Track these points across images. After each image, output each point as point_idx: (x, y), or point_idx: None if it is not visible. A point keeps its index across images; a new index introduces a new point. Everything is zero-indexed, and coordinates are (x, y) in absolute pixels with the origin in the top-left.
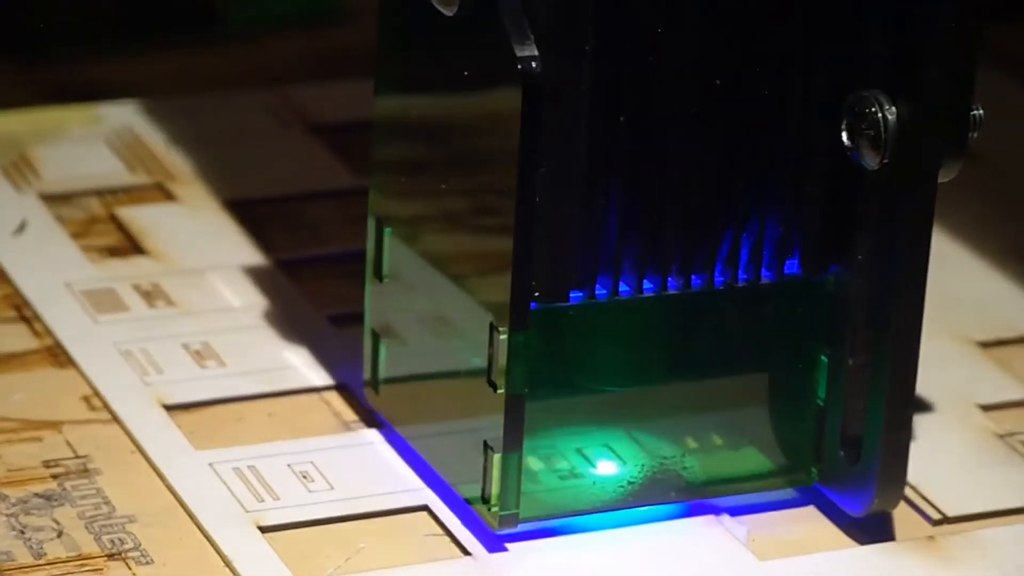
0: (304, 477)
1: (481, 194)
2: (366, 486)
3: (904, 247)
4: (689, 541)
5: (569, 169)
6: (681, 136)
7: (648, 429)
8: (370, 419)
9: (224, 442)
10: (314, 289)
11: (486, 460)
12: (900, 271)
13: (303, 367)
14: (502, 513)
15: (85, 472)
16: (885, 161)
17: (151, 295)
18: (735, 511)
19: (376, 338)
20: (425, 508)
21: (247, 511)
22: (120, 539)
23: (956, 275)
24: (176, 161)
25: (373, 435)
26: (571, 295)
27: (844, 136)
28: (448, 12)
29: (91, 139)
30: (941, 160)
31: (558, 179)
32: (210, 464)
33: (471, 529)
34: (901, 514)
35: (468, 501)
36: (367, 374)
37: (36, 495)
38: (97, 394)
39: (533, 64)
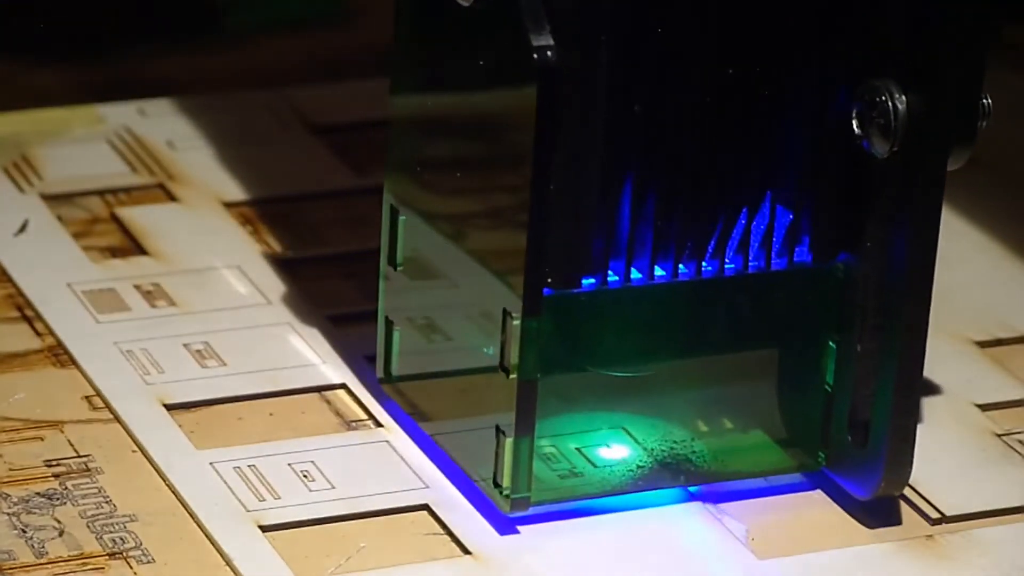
0: (305, 476)
1: (496, 181)
2: (367, 486)
3: (913, 235)
4: (689, 540)
5: (584, 157)
6: (694, 124)
7: (658, 414)
8: (371, 419)
9: (225, 441)
10: (314, 289)
11: (498, 445)
12: (909, 259)
13: (304, 367)
14: (514, 497)
15: (86, 471)
16: (895, 149)
17: (152, 295)
18: (742, 495)
19: (390, 325)
20: (425, 508)
21: (248, 510)
22: (121, 538)
23: (955, 274)
24: (177, 161)
25: (374, 435)
26: (583, 281)
27: (855, 124)
28: (464, 2)
29: (92, 139)
30: (950, 149)
31: (573, 167)
32: (211, 463)
33: (472, 529)
34: (900, 514)
35: (480, 486)
36: (380, 361)
37: (38, 494)
38: (98, 393)
39: (549, 54)
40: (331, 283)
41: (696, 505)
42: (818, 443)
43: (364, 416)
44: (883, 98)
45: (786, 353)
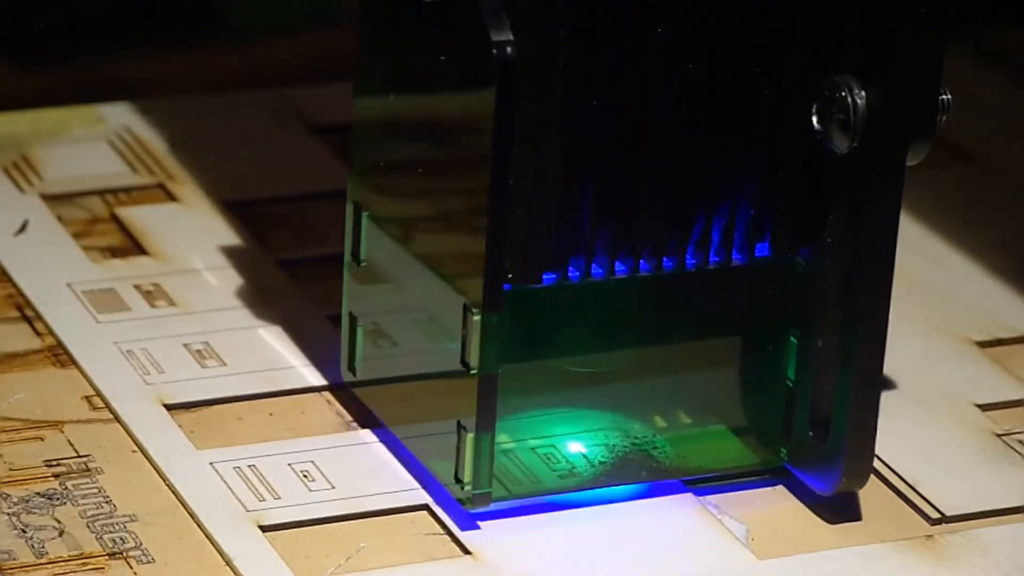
0: (305, 476)
1: (457, 177)
2: (366, 485)
3: (873, 230)
4: (689, 539)
5: (544, 153)
6: (654, 120)
7: (619, 409)
8: (371, 419)
9: (225, 441)
10: (314, 289)
11: (459, 440)
12: (869, 253)
13: (303, 367)
14: (474, 492)
15: (86, 471)
16: (855, 145)
17: (152, 295)
18: (705, 491)
19: (354, 321)
20: (425, 508)
21: (248, 510)
22: (121, 538)
23: (954, 275)
24: (177, 161)
25: (373, 435)
26: (544, 277)
27: (815, 120)
28: None
29: (92, 139)
30: (909, 144)
31: (533, 162)
32: (211, 463)
33: (472, 529)
34: (900, 514)
35: (442, 482)
36: (345, 357)
37: (38, 494)
38: (98, 393)
39: (508, 49)
40: (331, 283)
41: (697, 505)
42: (780, 438)
43: (364, 416)
44: (842, 93)
45: (748, 348)
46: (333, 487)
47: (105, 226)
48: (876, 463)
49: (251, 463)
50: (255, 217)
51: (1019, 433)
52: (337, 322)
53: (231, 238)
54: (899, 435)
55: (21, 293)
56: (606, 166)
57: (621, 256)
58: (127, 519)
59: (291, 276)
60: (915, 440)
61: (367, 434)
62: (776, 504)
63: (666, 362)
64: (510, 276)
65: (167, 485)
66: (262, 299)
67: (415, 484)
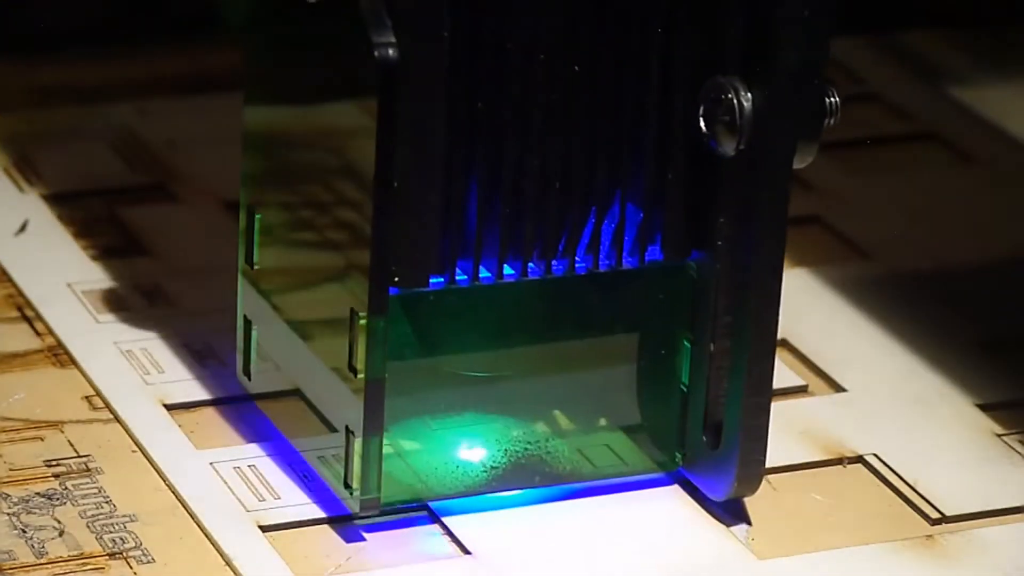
0: (304, 477)
1: (342, 180)
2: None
3: (761, 233)
4: (689, 538)
5: (428, 154)
6: (540, 121)
7: (512, 413)
8: None
9: (225, 442)
10: None
11: (348, 445)
12: (757, 257)
13: None
14: (363, 497)
15: (86, 471)
16: (741, 147)
17: (152, 295)
18: (597, 491)
19: (248, 325)
20: (425, 508)
21: (248, 510)
22: (121, 538)
23: (955, 275)
24: (177, 161)
25: None
26: (431, 280)
27: (701, 122)
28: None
29: (92, 139)
30: (795, 146)
31: (417, 164)
32: (211, 463)
33: (473, 528)
34: (900, 514)
35: (332, 487)
36: (240, 362)
37: (38, 494)
38: (98, 393)
39: (390, 51)
40: None
41: (697, 505)
42: (675, 443)
43: None
44: (728, 95)
45: (641, 352)
46: (333, 487)
47: (105, 226)
48: (877, 463)
49: (251, 463)
50: None
51: (1019, 433)
52: None
53: (231, 238)
54: (899, 435)
55: (21, 293)
56: (491, 168)
57: (509, 259)
58: (127, 519)
59: None
60: (915, 440)
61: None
62: (776, 504)
63: (560, 365)
64: (396, 280)
65: (167, 485)
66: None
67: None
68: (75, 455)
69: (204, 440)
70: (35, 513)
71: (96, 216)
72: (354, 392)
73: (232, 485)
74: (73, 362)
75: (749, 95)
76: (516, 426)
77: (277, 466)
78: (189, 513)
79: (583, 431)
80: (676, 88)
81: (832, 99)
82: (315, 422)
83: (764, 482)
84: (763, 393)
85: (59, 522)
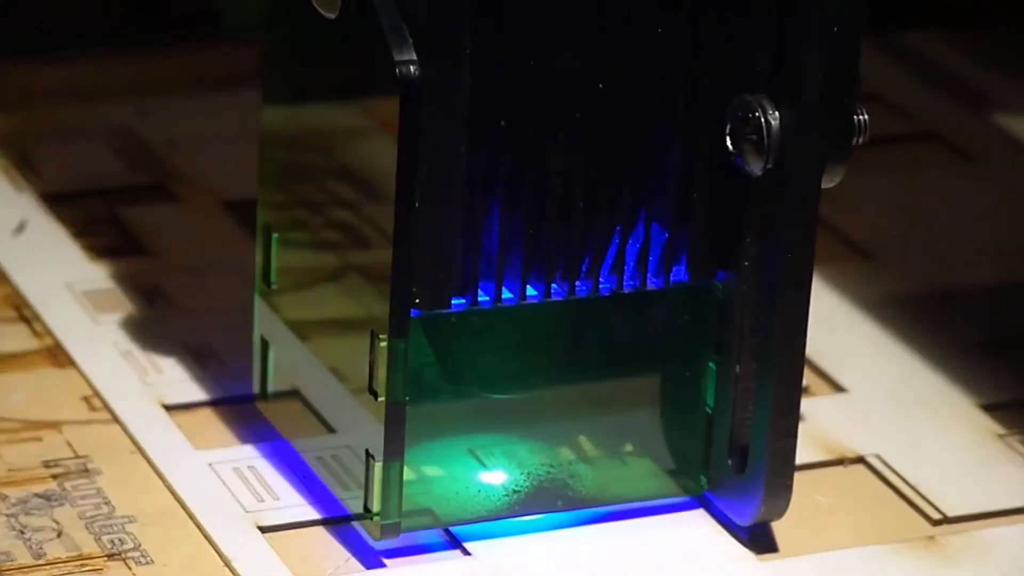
0: (304, 477)
1: (363, 200)
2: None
3: (788, 254)
4: (689, 538)
5: (450, 174)
6: (564, 141)
7: (535, 436)
8: None
9: (224, 442)
10: None
11: (368, 469)
12: (784, 278)
13: None
14: (383, 523)
15: (85, 472)
16: (769, 167)
17: (151, 295)
18: (622, 515)
19: (265, 346)
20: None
21: (247, 511)
22: (120, 539)
23: (956, 275)
24: (177, 161)
25: None
26: (453, 302)
27: (728, 141)
28: (330, 15)
29: (92, 139)
30: (824, 166)
31: (438, 184)
32: (210, 464)
33: (473, 528)
34: (901, 515)
35: (352, 512)
36: (257, 383)
37: (36, 495)
38: (97, 394)
39: (411, 68)
40: None
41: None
42: (700, 467)
43: None
44: (755, 114)
45: (666, 374)
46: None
47: (104, 226)
48: (878, 463)
49: (250, 464)
50: (255, 217)
51: (1020, 433)
52: None
53: (230, 238)
54: (899, 435)
55: (20, 293)
56: (514, 187)
57: (532, 280)
58: (126, 520)
59: None
60: (916, 440)
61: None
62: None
63: (582, 388)
64: (417, 301)
65: (166, 486)
66: None
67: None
68: (74, 456)
69: (203, 441)
70: (33, 514)
71: (96, 216)
72: (374, 415)
73: (231, 486)
74: (72, 362)
75: (777, 114)
76: (539, 449)
77: (276, 467)
78: (188, 514)
79: (606, 454)
80: (702, 106)
81: (861, 117)
82: (331, 442)
83: None
84: (790, 416)
85: (57, 523)
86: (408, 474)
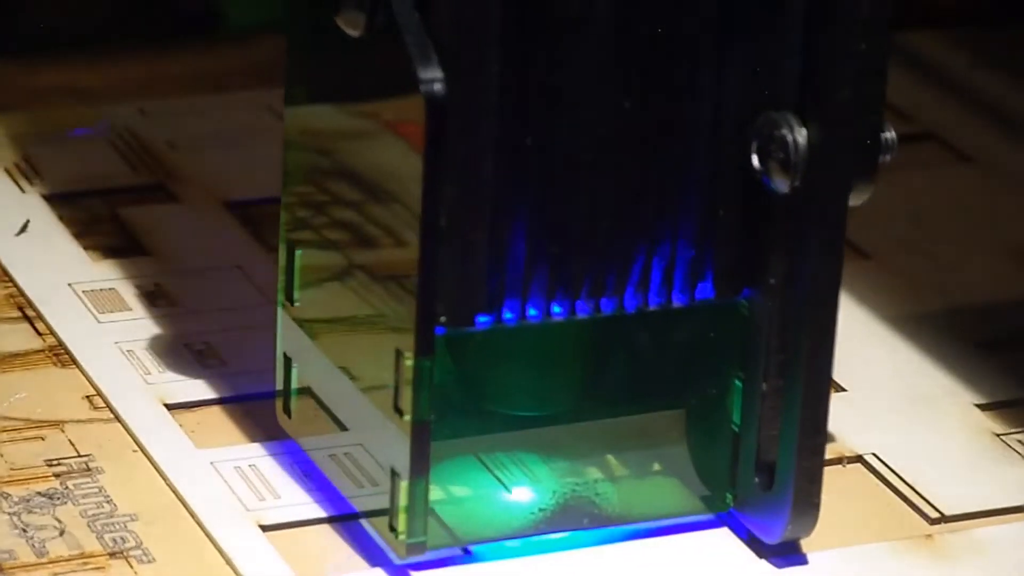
0: (306, 476)
1: (387, 217)
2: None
3: (815, 271)
4: (688, 537)
5: (475, 192)
6: (590, 158)
7: (559, 454)
8: None
9: (226, 441)
10: None
11: (393, 487)
12: (811, 295)
13: None
14: (409, 541)
15: (87, 471)
16: (796, 184)
17: (153, 295)
18: (650, 533)
19: (288, 362)
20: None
21: (248, 510)
22: (122, 538)
23: (954, 275)
24: (177, 161)
25: None
26: (478, 319)
27: (754, 159)
28: (353, 33)
29: (92, 139)
30: (851, 184)
31: (464, 202)
32: (212, 463)
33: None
34: (899, 513)
35: (377, 530)
36: (280, 399)
37: (38, 494)
38: (99, 393)
39: (436, 86)
40: None
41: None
42: (725, 484)
43: None
44: (782, 132)
45: (692, 391)
46: (333, 487)
47: (106, 226)
48: (876, 463)
49: (251, 463)
50: (255, 217)
51: (1018, 433)
52: None
53: (232, 238)
54: (899, 435)
55: (22, 293)
56: (540, 205)
57: (558, 297)
58: (128, 518)
59: None
60: (915, 440)
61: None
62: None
63: (608, 406)
64: (443, 319)
65: (168, 485)
66: (263, 298)
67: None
68: (76, 455)
69: (204, 440)
70: (36, 512)
71: (97, 216)
72: (400, 433)
73: (233, 484)
74: (74, 362)
75: (804, 131)
76: (564, 467)
77: (278, 466)
78: (190, 513)
79: (632, 472)
80: (728, 124)
81: (888, 135)
82: (356, 462)
83: None
84: (818, 434)
85: (60, 521)
86: (433, 492)
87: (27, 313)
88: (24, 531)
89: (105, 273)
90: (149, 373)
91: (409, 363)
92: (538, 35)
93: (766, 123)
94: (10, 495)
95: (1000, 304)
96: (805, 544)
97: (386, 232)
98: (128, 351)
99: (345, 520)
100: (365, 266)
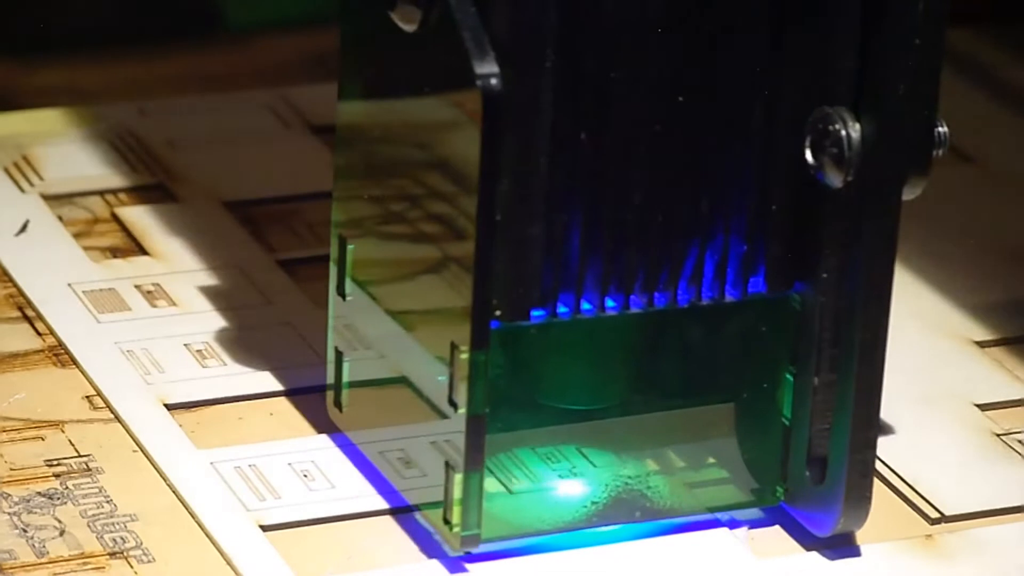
0: (305, 476)
1: (443, 212)
2: (367, 485)
3: (869, 266)
4: (687, 537)
5: (530, 186)
6: (644, 153)
7: (612, 448)
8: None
9: (225, 441)
10: (314, 289)
11: (447, 480)
12: (865, 289)
13: (303, 367)
14: (464, 534)
15: (87, 471)
16: (849, 179)
17: (153, 295)
18: (699, 526)
19: (340, 356)
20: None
21: (248, 510)
22: (122, 538)
23: (954, 274)
24: (177, 161)
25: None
26: (533, 313)
27: (808, 154)
28: (409, 28)
29: (93, 140)
30: (905, 179)
31: (519, 197)
32: (211, 463)
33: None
34: (899, 513)
35: (431, 522)
36: (331, 392)
37: (38, 494)
38: (99, 393)
39: (493, 81)
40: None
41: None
42: (776, 478)
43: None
44: (836, 127)
45: (743, 385)
46: (333, 487)
47: (105, 226)
48: (876, 462)
49: (252, 463)
50: (255, 217)
51: (1019, 433)
52: None
53: (231, 238)
54: (899, 435)
55: (22, 293)
56: (594, 200)
57: (611, 292)
58: (128, 519)
59: (291, 276)
60: (915, 440)
61: (367, 434)
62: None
63: (660, 399)
64: (498, 313)
65: (167, 485)
66: (262, 299)
67: (415, 484)
68: (76, 455)
69: (204, 440)
70: (36, 513)
71: (97, 216)
72: (455, 427)
73: (232, 485)
74: (74, 362)
75: (857, 126)
76: (616, 460)
77: (277, 465)
78: (190, 513)
79: (683, 465)
80: (782, 119)
81: (941, 129)
82: (409, 454)
83: None
84: (870, 428)
85: (60, 521)
86: (487, 485)
87: (27, 313)
88: (24, 531)
89: (105, 273)
90: (149, 373)
91: (464, 357)
92: (594, 30)
93: (820, 118)
94: (10, 495)
95: (1000, 304)
96: (805, 544)
97: (441, 226)
98: (128, 351)
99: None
100: (419, 260)
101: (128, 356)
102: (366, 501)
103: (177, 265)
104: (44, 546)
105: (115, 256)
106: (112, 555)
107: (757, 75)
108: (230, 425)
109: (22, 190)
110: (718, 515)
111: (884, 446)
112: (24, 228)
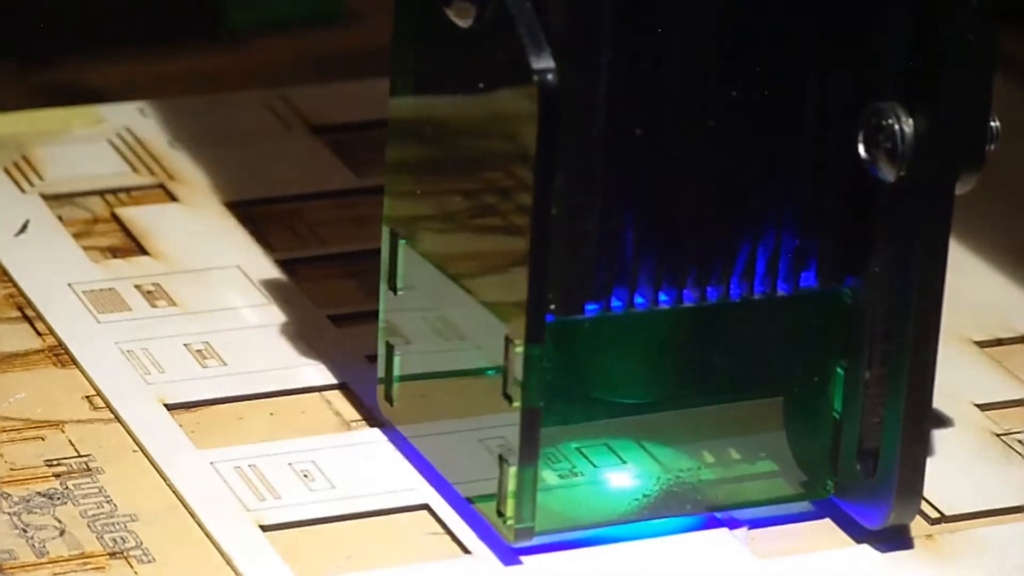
0: (305, 476)
1: (497, 206)
2: (367, 485)
3: (921, 260)
4: (688, 537)
5: (586, 181)
6: (697, 148)
7: (664, 442)
8: (371, 418)
9: (225, 441)
10: (314, 289)
11: (501, 473)
12: (917, 284)
13: (304, 366)
14: (518, 526)
15: (87, 471)
16: (902, 174)
17: (153, 295)
18: (751, 524)
19: (391, 350)
20: (425, 507)
21: (248, 510)
22: (122, 538)
23: (954, 274)
24: (178, 161)
25: (374, 434)
26: (587, 308)
27: (861, 148)
28: (464, 24)
29: (93, 140)
30: (958, 173)
31: (574, 191)
32: (211, 463)
33: (473, 528)
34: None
35: (484, 515)
36: (381, 385)
37: (38, 494)
38: (99, 393)
39: (549, 76)
40: (331, 283)
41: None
42: (826, 471)
43: (364, 416)
44: (889, 121)
45: (794, 379)
46: (333, 487)
47: (105, 226)
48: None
49: (251, 463)
50: (255, 217)
51: (1019, 433)
52: (337, 322)
53: (231, 238)
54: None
55: (22, 293)
56: (649, 195)
57: (664, 286)
58: (128, 519)
59: (291, 276)
60: None
61: (368, 434)
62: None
63: (711, 393)
64: (552, 307)
65: (167, 485)
66: (262, 299)
67: (415, 484)
68: (76, 455)
69: (204, 440)
70: (36, 513)
71: (97, 216)
72: (509, 420)
73: (232, 485)
74: (74, 362)
75: (911, 121)
76: (668, 453)
77: (277, 465)
78: (190, 513)
79: (734, 458)
80: (834, 113)
81: (994, 123)
82: (462, 448)
83: None
84: (922, 421)
85: (60, 521)
86: (541, 478)
87: (27, 313)
88: (24, 531)
89: (105, 273)
90: (149, 373)
91: (519, 350)
92: (648, 26)
93: (873, 113)
94: (10, 495)
95: (1000, 304)
96: (805, 544)
97: (495, 221)
98: (128, 351)
99: (345, 520)
100: (472, 254)
101: (128, 356)
102: (366, 501)
103: (177, 265)
104: (44, 546)
105: (115, 256)
106: (112, 555)
107: (810, 70)
108: (230, 425)
109: (22, 190)
110: (718, 515)
111: None
112: (24, 228)
